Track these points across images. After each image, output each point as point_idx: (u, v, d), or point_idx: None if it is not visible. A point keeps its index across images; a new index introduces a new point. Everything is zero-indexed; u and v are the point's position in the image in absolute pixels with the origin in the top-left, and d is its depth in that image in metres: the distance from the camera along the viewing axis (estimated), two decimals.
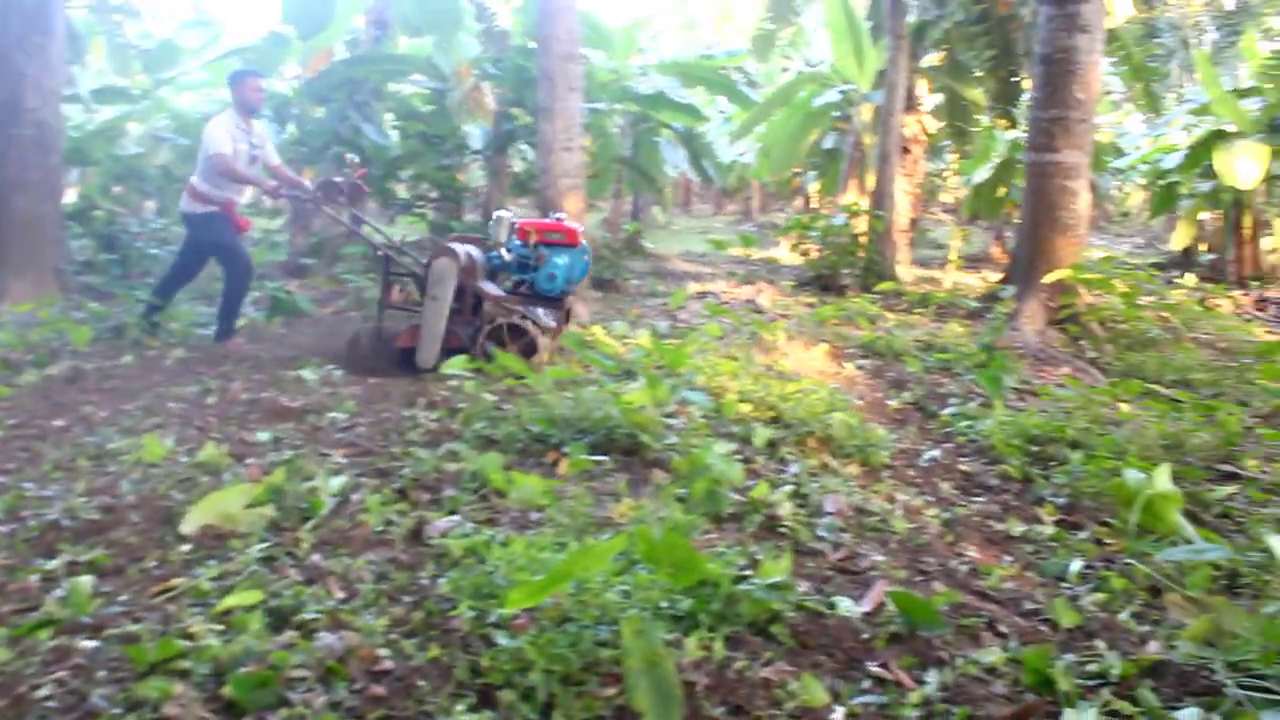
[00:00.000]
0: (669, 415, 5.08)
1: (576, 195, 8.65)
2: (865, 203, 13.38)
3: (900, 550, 3.92)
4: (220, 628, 2.86)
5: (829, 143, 17.53)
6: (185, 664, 2.66)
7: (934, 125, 15.69)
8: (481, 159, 12.86)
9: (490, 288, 6.71)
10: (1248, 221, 15.11)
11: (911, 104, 14.43)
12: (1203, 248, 17.14)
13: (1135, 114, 23.32)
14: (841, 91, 15.38)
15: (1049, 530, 4.36)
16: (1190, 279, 14.07)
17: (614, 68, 14.55)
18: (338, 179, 7.36)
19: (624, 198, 16.92)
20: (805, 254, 12.59)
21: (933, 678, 2.89)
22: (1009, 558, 4.04)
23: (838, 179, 16.44)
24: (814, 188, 20.81)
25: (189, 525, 3.57)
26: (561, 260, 6.69)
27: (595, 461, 4.45)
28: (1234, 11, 32.09)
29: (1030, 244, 9.24)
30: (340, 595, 3.15)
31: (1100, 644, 3.17)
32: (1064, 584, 3.81)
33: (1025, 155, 9.55)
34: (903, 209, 14.09)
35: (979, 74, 14.75)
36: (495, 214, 6.98)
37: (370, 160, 11.05)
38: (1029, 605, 3.53)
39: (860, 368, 7.40)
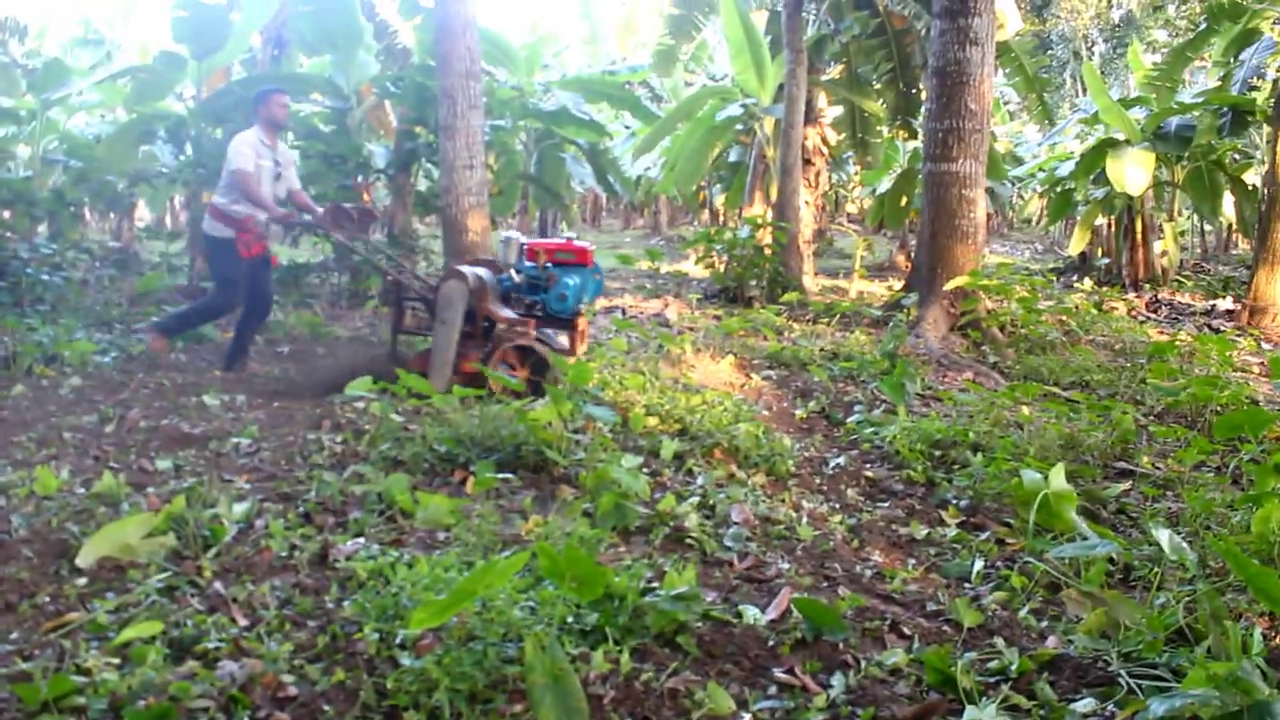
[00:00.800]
0: (576, 431, 5.08)
1: (480, 213, 8.64)
2: (770, 215, 13.55)
3: (806, 557, 3.97)
4: (117, 661, 2.80)
5: (733, 156, 17.72)
6: (80, 700, 2.60)
7: (835, 137, 15.95)
8: (385, 178, 12.75)
9: (502, 310, 6.52)
10: (1139, 226, 15.61)
11: (812, 117, 14.66)
12: (1099, 252, 17.65)
13: (1032, 124, 23.93)
14: (744, 105, 15.56)
15: (952, 532, 4.45)
16: (1087, 283, 14.49)
17: (517, 84, 14.55)
18: (347, 205, 7.36)
19: (530, 215, 16.91)
20: (712, 267, 12.70)
21: (838, 681, 2.93)
22: (913, 561, 4.12)
23: (743, 192, 16.61)
24: (720, 201, 20.99)
25: (85, 558, 3.48)
26: (572, 280, 6.58)
27: (502, 479, 4.44)
28: (1120, 25, 33.11)
29: (930, 252, 9.44)
30: (243, 622, 3.09)
31: (1000, 641, 3.24)
32: (966, 584, 3.90)
33: (923, 165, 9.75)
34: (806, 220, 14.29)
35: (878, 86, 15.05)
36: (504, 235, 6.85)
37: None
38: (932, 606, 3.60)
39: (767, 378, 7.48)
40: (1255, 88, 14.16)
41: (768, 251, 12.23)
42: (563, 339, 6.79)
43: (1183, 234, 23.62)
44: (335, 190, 10.80)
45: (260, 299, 7.25)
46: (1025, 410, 6.35)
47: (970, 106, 9.29)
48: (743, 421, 5.43)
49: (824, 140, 15.37)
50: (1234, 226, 19.63)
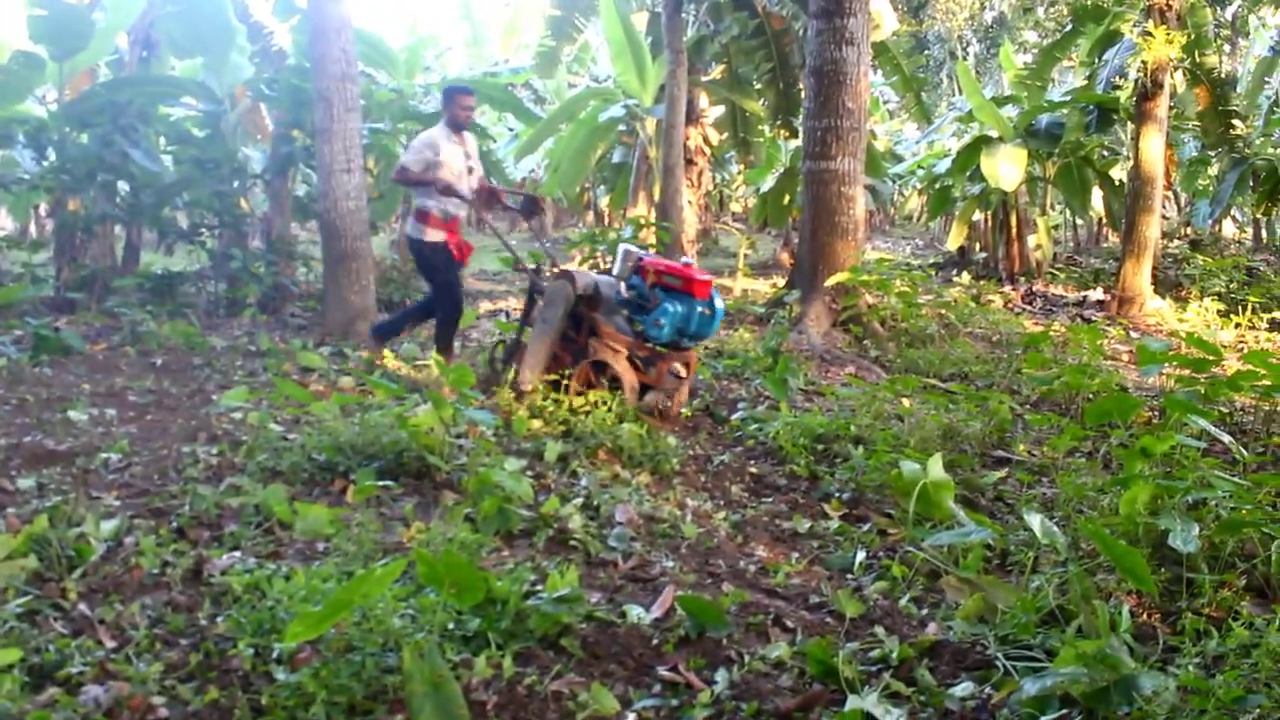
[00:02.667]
0: (459, 436, 5.02)
1: (359, 218, 8.49)
2: (653, 215, 13.57)
3: (690, 555, 3.98)
4: None
5: (617, 157, 17.75)
6: None
7: (717, 137, 16.07)
8: (262, 183, 12.46)
9: (605, 321, 6.20)
10: (1014, 221, 16.04)
11: (693, 117, 14.76)
12: (976, 247, 18.09)
13: (911, 122, 24.46)
14: (625, 106, 15.59)
15: (835, 525, 4.51)
16: (965, 277, 14.84)
17: (396, 87, 14.34)
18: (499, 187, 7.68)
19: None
20: (596, 268, 12.69)
21: (722, 677, 2.95)
22: (796, 554, 4.16)
23: (627, 192, 16.65)
24: (605, 202, 21.00)
25: None
26: (674, 308, 5.98)
27: (383, 487, 4.36)
28: (993, 26, 34.02)
29: (811, 249, 9.55)
30: (111, 644, 2.98)
31: (881, 630, 3.29)
32: (849, 575, 3.95)
33: (802, 164, 9.87)
34: (690, 220, 14.36)
35: (758, 86, 15.20)
36: (621, 247, 6.51)
37: (140, 188, 10.56)
38: (815, 599, 3.64)
39: None
40: (1118, 86, 14.65)
41: (651, 251, 12.23)
42: (680, 368, 6.18)
43: (1056, 228, 24.34)
44: (209, 196, 10.51)
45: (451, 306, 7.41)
46: (906, 403, 6.47)
47: (847, 105, 9.43)
48: (626, 421, 5.42)
49: (706, 140, 15.49)
50: (1104, 220, 20.28)
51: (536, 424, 5.44)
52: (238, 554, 3.66)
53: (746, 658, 3.05)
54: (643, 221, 12.83)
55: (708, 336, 6.38)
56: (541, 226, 28.85)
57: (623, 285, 6.29)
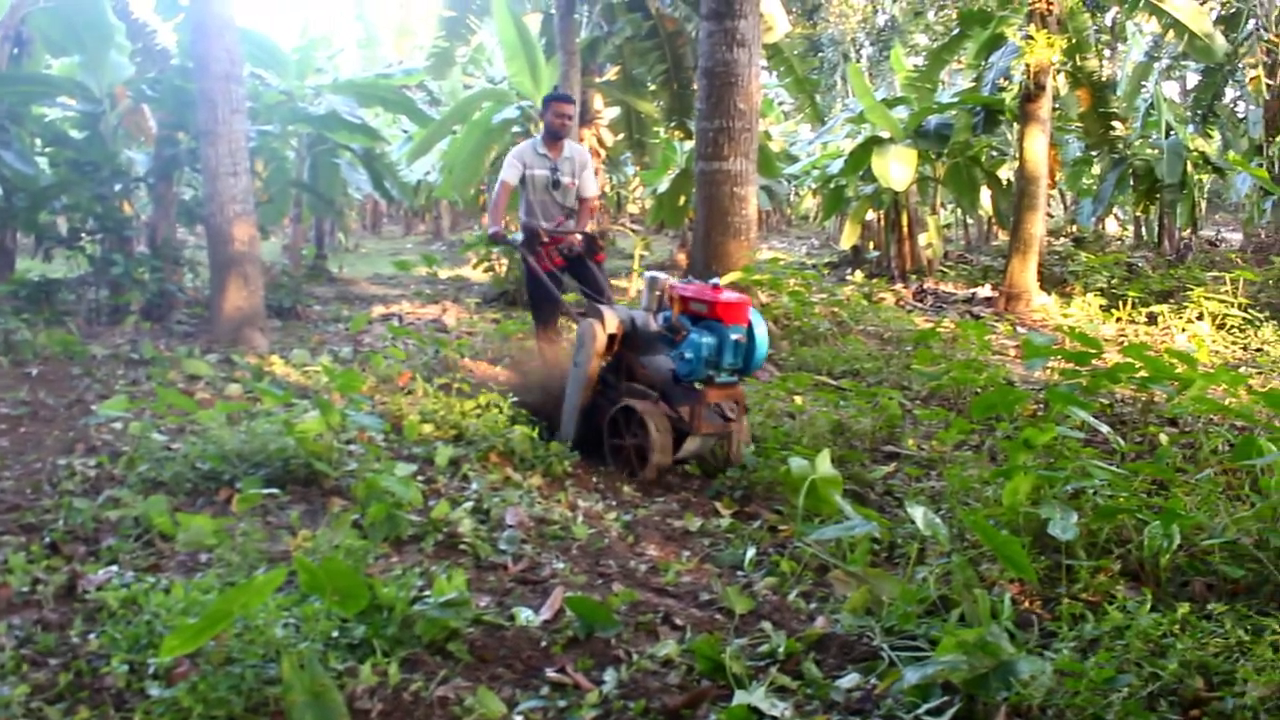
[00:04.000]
0: (349, 442, 4.95)
1: (247, 222, 8.32)
2: None
3: (581, 556, 3.97)
4: None
5: None
6: None
7: (612, 138, 16.07)
8: (146, 186, 12.12)
9: (646, 361, 5.68)
10: (904, 220, 16.34)
11: (588, 118, 14.73)
12: (869, 246, 18.39)
13: (806, 123, 24.78)
14: (520, 108, 15.51)
15: (726, 522, 4.54)
16: (858, 275, 15.06)
17: (285, 88, 14.08)
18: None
19: (305, 223, 16.39)
20: (491, 271, 12.63)
21: (610, 676, 2.94)
22: (687, 553, 4.17)
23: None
24: None
25: None
26: (703, 339, 5.22)
27: (269, 495, 4.27)
28: (885, 29, 34.64)
29: (705, 249, 9.62)
30: None
31: (768, 625, 3.32)
32: (739, 572, 3.98)
33: (695, 164, 9.93)
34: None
35: (653, 88, 15.25)
36: (647, 274, 5.83)
37: (13, 191, 10.19)
38: (705, 596, 3.65)
39: None
40: (1003, 88, 15.02)
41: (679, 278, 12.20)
42: (729, 406, 5.44)
43: (947, 227, 24.90)
44: (89, 200, 10.18)
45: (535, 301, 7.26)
46: (798, 400, 6.54)
47: (739, 106, 9.51)
48: (518, 424, 5.39)
49: (601, 141, 15.47)
50: (993, 219, 20.77)
51: (428, 428, 5.38)
52: (115, 568, 3.56)
53: (635, 657, 3.05)
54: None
55: (753, 370, 5.55)
56: (437, 230, 28.63)
57: (657, 318, 5.62)
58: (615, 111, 16.05)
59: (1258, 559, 3.80)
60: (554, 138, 7.04)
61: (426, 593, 3.22)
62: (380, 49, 28.13)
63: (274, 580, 2.61)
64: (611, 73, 16.03)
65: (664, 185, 17.55)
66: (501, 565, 3.79)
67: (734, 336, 5.27)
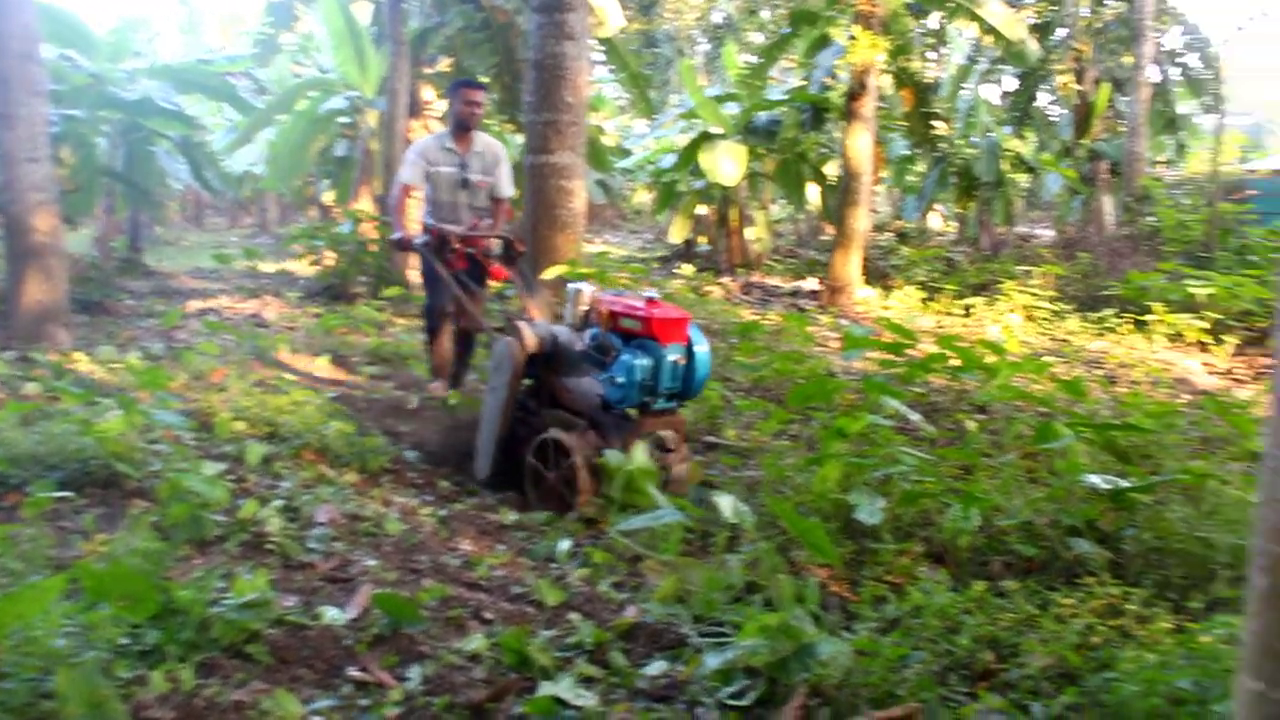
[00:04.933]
0: (154, 441, 4.75)
1: (48, 211, 7.89)
2: (376, 209, 13.30)
3: (394, 552, 3.91)
4: None
5: (340, 150, 17.25)
6: None
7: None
8: None
9: (572, 384, 5.09)
10: (734, 215, 16.61)
11: (417, 110, 14.51)
12: (700, 240, 18.62)
13: (641, 118, 24.94)
14: (347, 98, 15.20)
15: (542, 516, 4.52)
16: (688, 269, 15.24)
17: (95, 71, 13.43)
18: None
19: (120, 214, 15.69)
20: (315, 264, 12.34)
21: (415, 673, 2.90)
22: (503, 546, 4.15)
23: (350, 187, 16.22)
24: (329, 196, 20.40)
25: None
26: (636, 360, 4.64)
27: (62, 498, 4.06)
28: (720, 26, 35.13)
29: (532, 242, 9.55)
30: None
31: (577, 616, 3.32)
32: (554, 564, 3.97)
33: (524, 158, 9.87)
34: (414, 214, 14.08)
35: (485, 80, 15.10)
36: (571, 285, 5.28)
37: None
38: (518, 590, 3.64)
39: (369, 375, 7.33)
40: (829, 87, 15.39)
41: (371, 248, 12.00)
42: (668, 436, 4.86)
43: (779, 222, 25.39)
44: None
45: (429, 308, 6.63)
46: None
47: (568, 100, 9.46)
48: (335, 420, 5.27)
49: (430, 133, 15.26)
50: (822, 214, 21.28)
51: (240, 425, 5.20)
52: None
53: (441, 652, 3.01)
54: (362, 216, 12.55)
55: (693, 395, 4.98)
56: (263, 223, 27.82)
57: (583, 336, 5.06)
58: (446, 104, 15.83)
59: (1050, 537, 3.99)
60: (462, 129, 6.46)
61: (227, 595, 3.11)
62: (204, 34, 27.20)
63: (51, 587, 2.49)
64: (444, 64, 15.81)
65: None
66: (310, 564, 3.69)
67: (671, 357, 4.70)
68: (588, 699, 2.78)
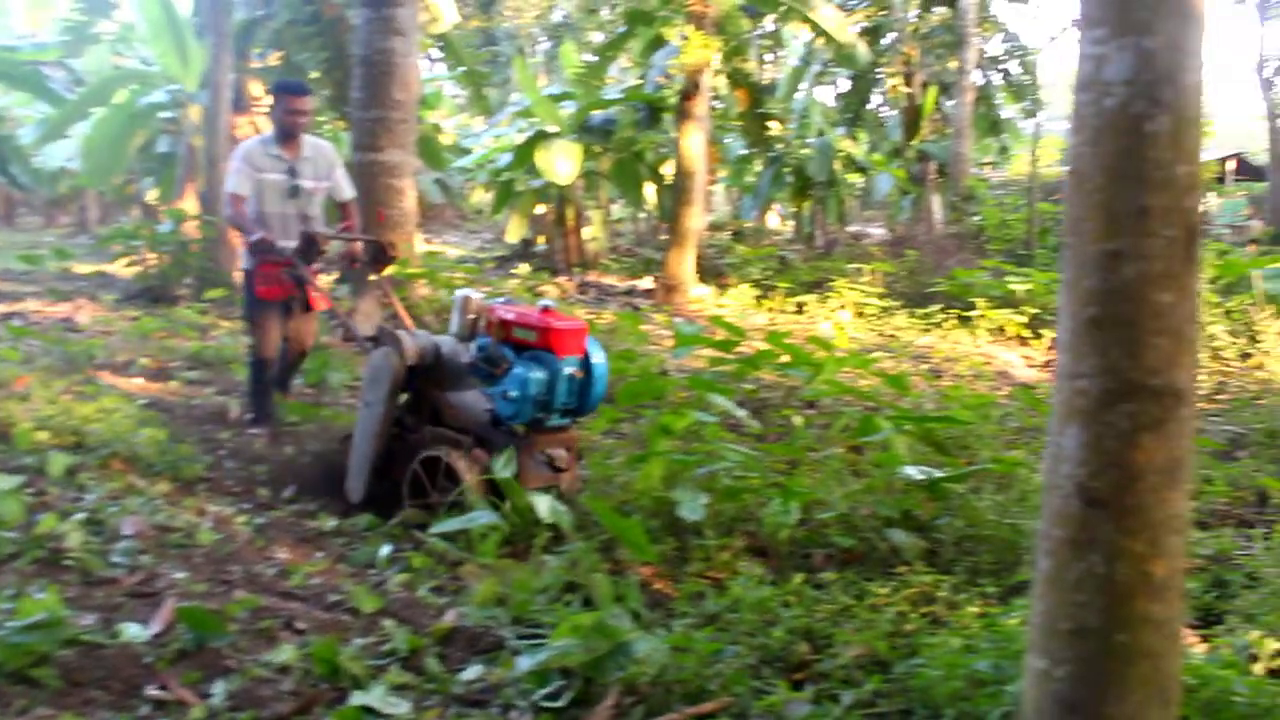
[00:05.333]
0: None
1: None
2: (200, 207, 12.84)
3: (205, 563, 3.76)
4: None
5: (164, 146, 16.58)
6: None
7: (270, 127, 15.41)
8: None
9: (455, 399, 4.70)
10: (570, 214, 16.59)
11: (243, 105, 14.06)
12: (539, 240, 18.55)
13: (480, 116, 24.71)
14: (169, 92, 14.62)
15: (364, 521, 4.41)
16: (524, 268, 15.16)
17: None
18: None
19: None
20: (134, 265, 11.82)
21: (219, 688, 2.79)
22: (321, 554, 4.04)
23: (174, 185, 15.62)
24: (152, 195, 19.61)
25: None
26: (531, 374, 4.29)
27: None
28: (560, 25, 35.12)
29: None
30: None
31: (391, 623, 3.25)
32: (372, 571, 3.88)
33: (354, 156, 9.68)
34: None
35: (315, 76, 14.72)
36: (458, 293, 4.80)
37: None
38: (334, 598, 3.54)
39: (188, 380, 7.06)
40: (664, 87, 15.52)
41: (194, 248, 11.58)
42: (560, 455, 4.56)
43: (618, 221, 25.48)
44: None
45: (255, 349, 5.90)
46: None
47: (396, 97, 9.33)
48: (147, 428, 5.05)
49: (257, 129, 14.82)
50: (659, 213, 21.44)
51: (43, 435, 4.93)
52: None
53: (249, 665, 2.90)
54: (184, 214, 12.10)
55: (589, 410, 4.65)
56: (82, 222, 26.57)
57: (469, 346, 4.66)
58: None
59: (868, 528, 4.09)
60: (288, 137, 5.84)
61: (12, 617, 2.94)
62: (10, 19, 25.78)
63: None
64: (273, 58, 15.36)
65: None
66: (113, 579, 3.52)
67: (568, 370, 4.38)
68: (399, 707, 2.72)
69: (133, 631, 3.05)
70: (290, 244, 5.54)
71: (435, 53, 22.75)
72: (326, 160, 5.98)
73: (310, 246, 5.50)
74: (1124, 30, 2.04)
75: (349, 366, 7.09)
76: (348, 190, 6.18)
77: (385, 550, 3.99)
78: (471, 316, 4.62)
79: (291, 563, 3.84)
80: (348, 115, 14.29)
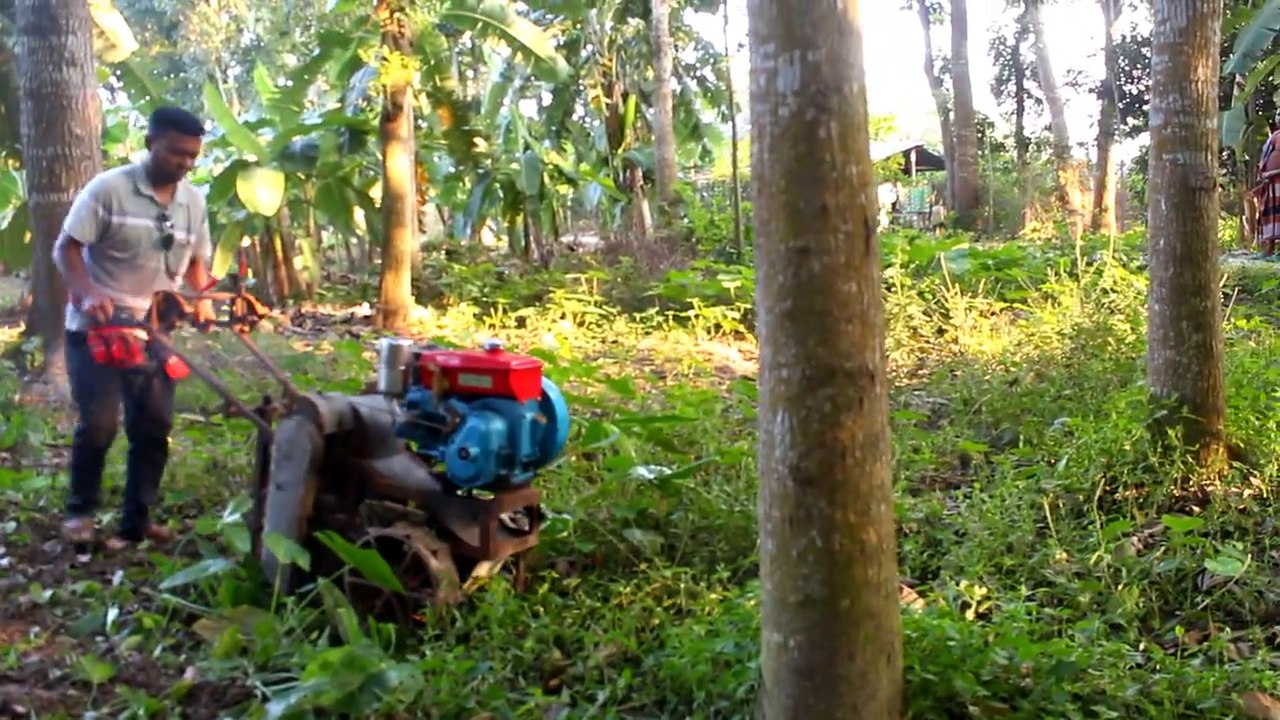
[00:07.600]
0: None
1: None
2: None
3: None
4: None
5: None
6: None
7: None
8: None
9: (385, 468, 3.95)
10: (278, 245, 16.10)
11: None
12: (249, 273, 17.88)
13: None
14: None
15: (81, 587, 4.14)
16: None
17: None
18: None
19: None
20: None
21: None
22: (36, 628, 3.77)
23: None
24: None
25: None
26: (491, 425, 3.65)
27: None
28: (251, 49, 33.93)
29: (50, 291, 8.77)
30: None
31: (127, 689, 3.09)
32: (100, 638, 3.66)
33: (30, 197, 9.06)
34: None
35: None
36: (385, 342, 4.02)
37: None
38: (57, 672, 3.32)
39: None
40: (365, 109, 15.30)
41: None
42: (520, 519, 3.98)
43: (330, 248, 24.91)
44: None
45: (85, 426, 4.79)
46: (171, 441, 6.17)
47: (76, 132, 8.78)
48: None
49: None
50: (371, 238, 21.09)
51: None
52: None
53: None
54: None
55: (552, 460, 4.03)
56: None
57: (398, 403, 3.97)
58: None
59: (607, 531, 4.18)
60: (166, 179, 4.71)
61: None
62: None
63: None
64: None
65: (5, 221, 15.82)
66: None
67: (530, 416, 3.79)
68: None
69: None
70: (142, 304, 4.56)
71: (115, 82, 21.58)
72: (199, 210, 4.97)
73: (170, 309, 4.56)
74: (790, 45, 2.21)
75: (49, 424, 6.63)
76: (208, 246, 5.36)
77: (112, 614, 3.77)
78: (402, 368, 3.95)
79: (2, 642, 3.57)
80: (19, 152, 13.37)
